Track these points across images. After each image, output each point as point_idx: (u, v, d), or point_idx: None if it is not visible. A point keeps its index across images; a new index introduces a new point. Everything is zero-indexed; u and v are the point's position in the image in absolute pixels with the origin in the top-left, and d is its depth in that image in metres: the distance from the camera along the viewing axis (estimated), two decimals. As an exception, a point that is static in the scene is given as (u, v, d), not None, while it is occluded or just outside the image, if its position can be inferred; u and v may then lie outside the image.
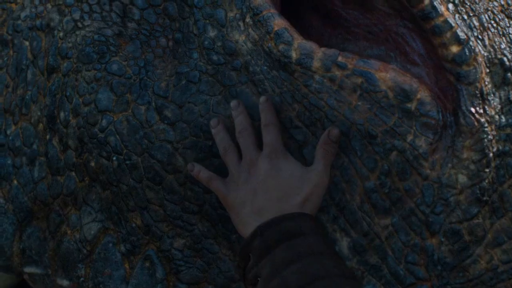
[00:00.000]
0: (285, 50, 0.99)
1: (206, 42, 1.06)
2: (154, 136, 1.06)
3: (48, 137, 1.15)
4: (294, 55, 0.98)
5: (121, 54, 1.11)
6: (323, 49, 0.98)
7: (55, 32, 1.16)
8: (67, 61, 1.13)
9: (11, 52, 1.23)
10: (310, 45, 0.98)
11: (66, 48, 1.13)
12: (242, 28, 1.03)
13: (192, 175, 1.03)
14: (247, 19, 1.02)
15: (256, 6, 1.01)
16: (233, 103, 1.02)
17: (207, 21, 1.07)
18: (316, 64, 0.98)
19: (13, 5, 1.26)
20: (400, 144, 0.96)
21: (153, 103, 1.07)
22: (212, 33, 1.06)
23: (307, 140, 1.00)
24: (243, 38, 1.03)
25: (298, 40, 0.99)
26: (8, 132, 1.19)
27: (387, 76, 0.96)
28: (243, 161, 1.01)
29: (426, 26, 0.96)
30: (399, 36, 1.04)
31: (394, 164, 0.97)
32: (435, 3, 0.95)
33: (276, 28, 0.99)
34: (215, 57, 1.05)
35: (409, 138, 0.96)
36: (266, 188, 0.97)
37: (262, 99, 1.00)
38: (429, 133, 0.95)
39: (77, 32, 1.13)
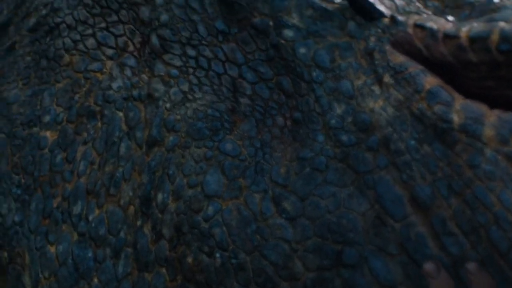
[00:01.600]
0: (444, 112, 0.85)
1: (333, 121, 0.95)
2: (269, 232, 0.94)
3: (139, 223, 1.05)
4: (456, 118, 0.84)
5: (235, 132, 1.02)
6: (496, 111, 0.84)
7: (160, 102, 1.10)
8: (173, 134, 1.05)
9: (99, 124, 1.16)
10: (477, 106, 0.84)
11: (174, 120, 1.06)
12: (378, 92, 0.92)
13: None
14: (386, 79, 0.92)
15: (398, 64, 0.91)
16: (429, 267, 0.84)
17: (331, 96, 0.96)
18: (488, 132, 0.83)
19: (98, 74, 1.22)
20: None
21: (270, 192, 0.95)
22: (339, 109, 0.96)
23: (465, 255, 0.83)
24: (381, 103, 0.91)
25: (460, 100, 0.85)
26: (91, 218, 1.10)
27: None
28: None
29: None
30: None
31: None
32: None
33: (428, 87, 0.86)
34: (344, 137, 0.94)
35: None
36: None
37: (471, 267, 0.82)
38: None
39: (187, 105, 1.07)
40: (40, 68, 1.26)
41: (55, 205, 1.13)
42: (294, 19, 1.02)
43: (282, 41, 1.03)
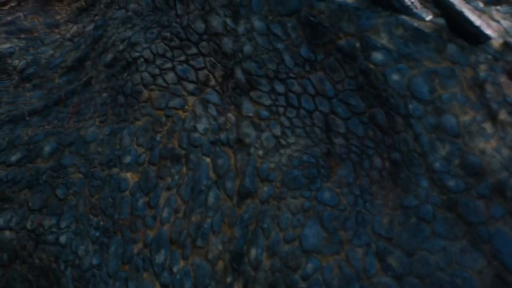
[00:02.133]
0: None
1: (437, 164, 0.89)
2: None
3: (229, 280, 1.00)
4: None
5: (333, 179, 0.97)
6: None
7: (252, 149, 1.06)
8: (268, 184, 1.01)
9: (184, 170, 1.13)
10: None
11: (268, 169, 1.02)
12: (491, 131, 0.86)
13: None
14: (502, 116, 0.85)
15: None
16: None
17: (433, 134, 0.89)
18: None
19: (179, 112, 1.18)
20: None
21: (373, 246, 0.90)
22: (443, 150, 0.89)
23: None
24: (494, 144, 0.85)
25: None
26: (175, 269, 1.07)
27: None
28: None
29: None
30: None
31: None
32: None
33: None
34: (451, 183, 0.87)
35: None
36: None
37: None
38: None
39: (281, 151, 1.02)
40: (117, 104, 1.24)
41: (135, 251, 1.11)
42: (383, 39, 0.95)
43: (371, 66, 0.96)
